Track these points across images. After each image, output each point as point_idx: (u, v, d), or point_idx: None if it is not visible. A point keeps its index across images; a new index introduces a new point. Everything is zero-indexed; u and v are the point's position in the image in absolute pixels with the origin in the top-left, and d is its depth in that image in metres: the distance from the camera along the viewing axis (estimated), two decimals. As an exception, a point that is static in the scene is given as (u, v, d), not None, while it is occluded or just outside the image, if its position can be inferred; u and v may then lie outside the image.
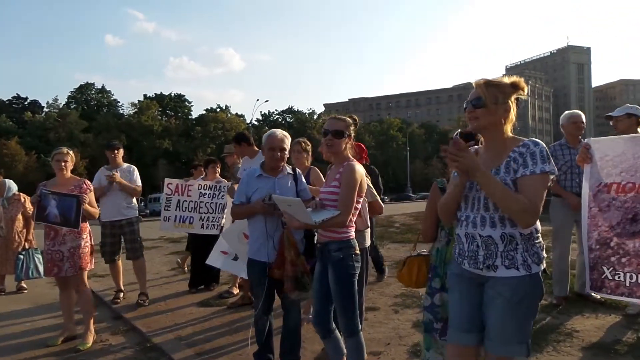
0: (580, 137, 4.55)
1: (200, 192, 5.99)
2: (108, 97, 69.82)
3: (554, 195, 4.56)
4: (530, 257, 1.91)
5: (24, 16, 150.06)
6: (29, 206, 6.34)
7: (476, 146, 2.18)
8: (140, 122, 59.03)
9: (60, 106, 62.84)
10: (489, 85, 1.99)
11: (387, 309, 4.68)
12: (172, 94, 69.29)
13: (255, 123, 65.90)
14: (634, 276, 2.54)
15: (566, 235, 4.47)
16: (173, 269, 7.53)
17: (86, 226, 4.19)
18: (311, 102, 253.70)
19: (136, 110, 62.87)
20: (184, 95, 70.51)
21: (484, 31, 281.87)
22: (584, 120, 4.58)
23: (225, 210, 5.97)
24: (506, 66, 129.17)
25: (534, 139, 1.99)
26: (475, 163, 1.86)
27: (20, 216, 6.42)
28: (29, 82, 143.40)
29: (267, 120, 73.94)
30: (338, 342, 2.86)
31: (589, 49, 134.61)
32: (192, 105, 70.96)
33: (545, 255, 1.98)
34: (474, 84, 2.04)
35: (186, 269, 7.06)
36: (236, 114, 69.97)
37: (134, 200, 5.52)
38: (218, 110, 69.00)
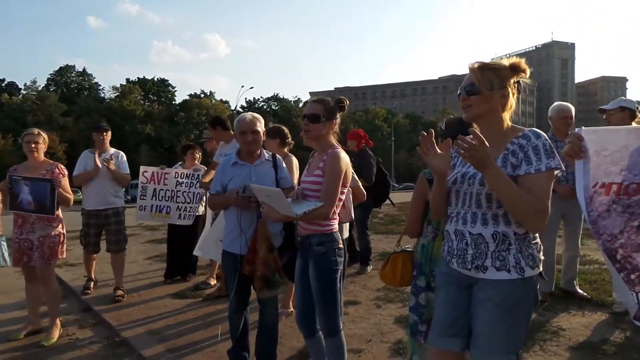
0: (569, 131, 4.42)
1: (177, 181, 5.73)
2: (89, 80, 68.29)
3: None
4: (524, 259, 1.73)
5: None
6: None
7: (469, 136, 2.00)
8: (122, 107, 57.87)
9: (39, 89, 61.18)
10: (484, 69, 1.80)
11: (368, 303, 4.53)
12: (156, 79, 68.06)
13: (240, 110, 65.01)
14: None
15: (552, 229, 4.34)
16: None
17: (58, 214, 3.92)
18: (297, 90, 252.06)
19: (118, 94, 61.58)
20: (167, 80, 69.40)
21: (470, 25, 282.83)
22: (573, 115, 4.43)
23: (203, 200, 5.76)
24: (491, 59, 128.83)
25: (534, 129, 1.78)
26: (488, 157, 1.64)
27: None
28: (7, 63, 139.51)
29: (252, 107, 73.07)
30: (322, 342, 2.68)
31: (573, 44, 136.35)
32: (175, 91, 69.92)
33: (542, 257, 1.81)
34: (468, 68, 1.85)
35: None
36: (220, 100, 69.31)
37: (122, 189, 5.22)
38: (202, 96, 68.08)
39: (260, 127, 3.02)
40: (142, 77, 66.83)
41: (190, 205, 5.73)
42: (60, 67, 66.84)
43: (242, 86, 55.58)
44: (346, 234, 3.36)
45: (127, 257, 5.59)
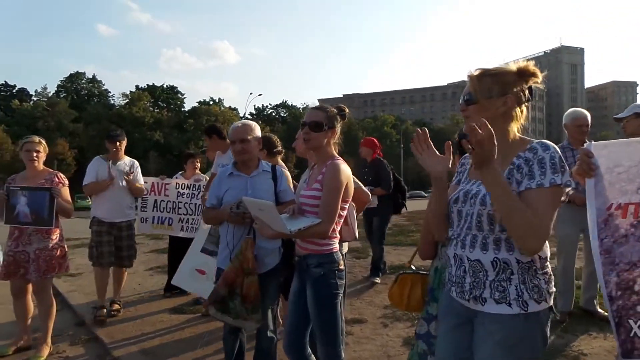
0: (585, 140, 4.17)
1: (179, 192, 5.56)
2: (99, 86, 68.93)
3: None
4: (527, 291, 1.51)
5: (14, 2, 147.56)
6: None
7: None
8: (131, 113, 58.25)
9: (50, 95, 61.88)
10: (483, 75, 1.61)
11: (375, 321, 4.28)
12: (165, 86, 68.59)
13: (249, 117, 65.25)
14: None
15: (572, 244, 4.09)
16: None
17: (58, 224, 3.75)
18: (305, 97, 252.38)
19: (127, 101, 62.02)
20: (176, 87, 69.96)
21: (478, 30, 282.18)
22: (589, 122, 4.17)
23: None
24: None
25: (544, 140, 1.56)
26: (493, 157, 1.42)
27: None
28: (18, 70, 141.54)
29: (261, 114, 73.37)
30: None
31: (582, 49, 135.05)
32: (184, 98, 70.46)
33: (554, 290, 1.57)
34: (467, 76, 1.66)
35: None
36: (229, 107, 69.48)
37: (134, 200, 4.98)
38: (211, 103, 68.35)
39: (252, 135, 2.81)
40: (151, 84, 67.49)
41: (193, 217, 5.54)
42: (71, 74, 67.61)
43: (251, 93, 56.32)
44: (345, 249, 3.12)
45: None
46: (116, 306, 4.78)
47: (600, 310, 4.11)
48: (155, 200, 5.57)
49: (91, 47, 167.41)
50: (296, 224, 2.18)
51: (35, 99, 62.10)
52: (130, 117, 57.90)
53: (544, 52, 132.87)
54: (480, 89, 1.60)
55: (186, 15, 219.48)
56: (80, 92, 66.79)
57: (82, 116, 56.16)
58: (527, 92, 1.62)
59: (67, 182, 3.92)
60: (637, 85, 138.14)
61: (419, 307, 2.22)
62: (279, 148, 3.87)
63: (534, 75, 1.59)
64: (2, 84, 65.24)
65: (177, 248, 5.59)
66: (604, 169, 1.90)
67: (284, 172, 2.95)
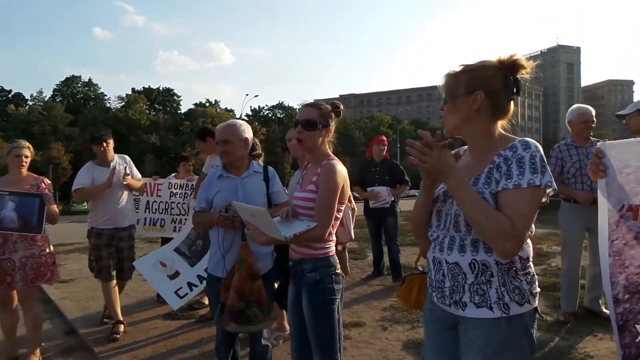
0: (590, 136, 4.07)
1: (171, 192, 5.43)
2: (95, 90, 68.52)
3: (563, 200, 4.09)
4: (508, 293, 1.43)
5: (9, 6, 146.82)
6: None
7: (464, 147, 1.68)
8: (127, 116, 57.93)
9: (45, 99, 61.49)
10: (462, 73, 1.52)
11: (374, 324, 4.16)
12: (161, 88, 68.24)
13: (245, 118, 65.06)
14: None
15: (577, 244, 3.99)
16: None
17: (44, 231, 3.61)
18: (302, 98, 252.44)
19: (123, 104, 61.77)
20: (172, 90, 69.46)
21: (475, 29, 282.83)
22: (594, 117, 4.08)
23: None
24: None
25: (526, 139, 1.47)
26: (445, 165, 1.38)
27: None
28: (13, 74, 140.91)
29: (257, 116, 73.15)
30: None
31: (578, 48, 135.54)
32: (180, 100, 69.96)
33: (537, 290, 1.49)
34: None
35: None
36: (225, 108, 69.18)
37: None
38: (207, 104, 68.11)
39: (235, 135, 2.67)
40: (147, 86, 67.15)
41: (186, 218, 5.40)
42: (67, 78, 67.13)
43: (247, 94, 55.83)
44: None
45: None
46: (108, 312, 4.63)
47: (605, 310, 4.00)
48: (148, 202, 5.45)
49: (87, 51, 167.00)
50: (291, 229, 2.06)
51: (31, 103, 61.67)
52: (126, 120, 57.60)
53: (541, 51, 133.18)
54: (449, 88, 1.53)
55: (182, 17, 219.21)
56: (76, 95, 66.35)
57: (78, 120, 55.85)
58: (513, 85, 1.50)
59: (52, 187, 3.82)
60: (634, 83, 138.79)
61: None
62: (259, 151, 3.76)
63: (518, 65, 1.48)
64: (-2, 90, 64.89)
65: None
66: (615, 170, 1.86)
67: (276, 172, 2.83)
